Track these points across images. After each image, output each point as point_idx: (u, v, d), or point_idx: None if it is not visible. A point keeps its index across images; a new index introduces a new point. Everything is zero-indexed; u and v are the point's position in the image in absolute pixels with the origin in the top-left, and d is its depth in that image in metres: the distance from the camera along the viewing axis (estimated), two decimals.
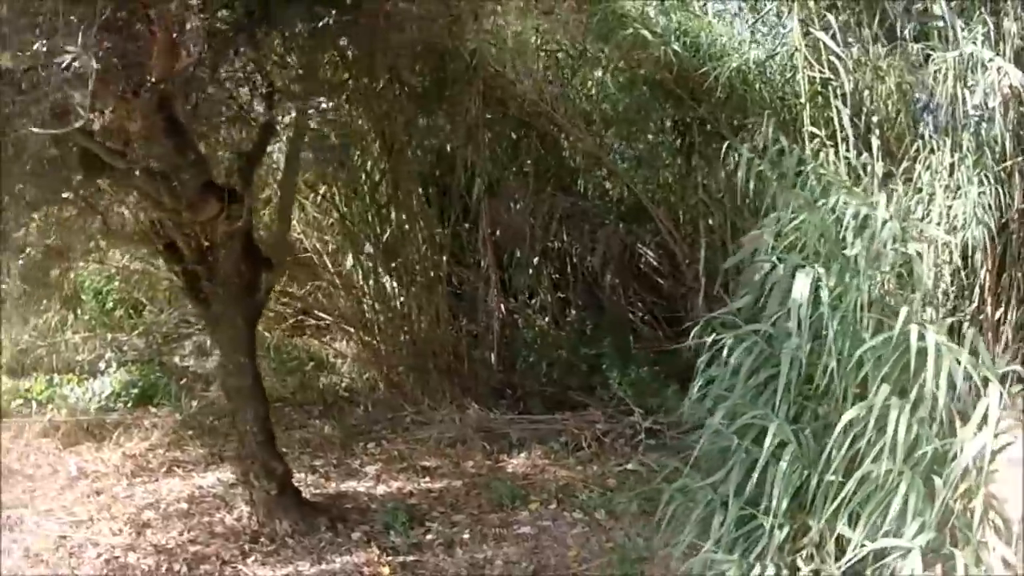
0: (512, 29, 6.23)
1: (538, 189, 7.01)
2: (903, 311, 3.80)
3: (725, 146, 5.23)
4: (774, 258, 4.26)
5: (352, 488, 5.56)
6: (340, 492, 5.47)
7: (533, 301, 7.51)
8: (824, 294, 3.96)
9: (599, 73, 6.88)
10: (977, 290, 4.93)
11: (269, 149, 5.09)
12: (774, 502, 3.72)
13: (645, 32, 5.84)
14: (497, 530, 4.95)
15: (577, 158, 7.51)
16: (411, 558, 4.61)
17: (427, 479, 5.69)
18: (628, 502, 5.19)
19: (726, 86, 5.72)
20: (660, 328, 7.50)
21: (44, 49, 2.54)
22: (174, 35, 3.43)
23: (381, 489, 5.54)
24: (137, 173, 4.10)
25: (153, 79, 3.46)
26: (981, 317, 5.06)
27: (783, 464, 3.74)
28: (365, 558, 4.57)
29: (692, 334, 4.53)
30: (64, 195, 4.56)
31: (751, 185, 4.80)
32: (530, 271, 7.39)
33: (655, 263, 7.71)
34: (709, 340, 4.17)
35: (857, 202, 4.12)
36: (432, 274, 6.85)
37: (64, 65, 2.41)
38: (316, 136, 4.94)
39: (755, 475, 3.81)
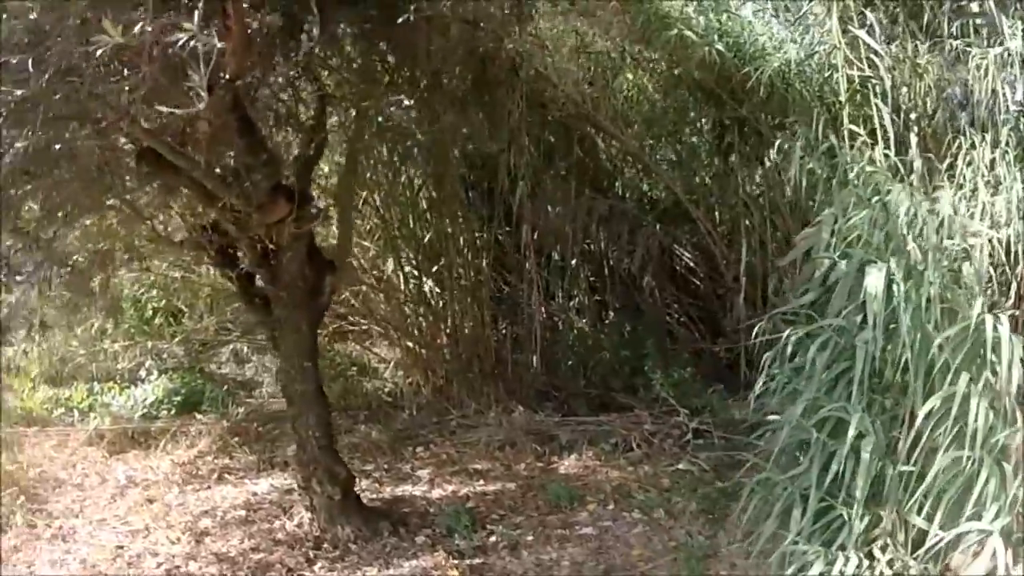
0: (554, 32, 6.22)
1: (576, 191, 6.93)
2: (978, 302, 3.82)
3: (777, 144, 5.15)
4: (835, 255, 4.25)
5: (407, 492, 5.49)
6: (396, 496, 5.40)
7: (571, 303, 7.42)
8: (899, 289, 3.94)
9: (640, 74, 6.83)
10: (1014, 285, 4.90)
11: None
12: (858, 492, 3.72)
13: (689, 33, 5.80)
14: (559, 531, 4.87)
15: (614, 159, 7.45)
16: (477, 561, 4.54)
17: (481, 482, 5.61)
18: (686, 501, 5.15)
19: (767, 86, 5.65)
20: (696, 329, 7.48)
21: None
22: (249, 31, 3.36)
23: (436, 493, 5.46)
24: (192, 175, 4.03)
25: (228, 76, 3.36)
26: (1017, 312, 5.04)
27: (865, 455, 3.73)
28: (432, 562, 4.50)
29: (756, 331, 4.53)
30: (110, 201, 4.50)
31: (803, 183, 4.78)
32: (567, 273, 7.31)
33: (691, 264, 7.67)
34: (754, 338, 4.41)
35: (915, 199, 4.12)
36: (474, 277, 6.77)
37: (180, 44, 2.26)
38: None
39: (836, 467, 3.80)
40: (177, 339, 7.25)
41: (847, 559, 3.66)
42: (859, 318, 4.07)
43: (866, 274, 3.98)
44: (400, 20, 3.84)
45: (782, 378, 4.38)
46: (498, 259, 7.08)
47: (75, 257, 5.01)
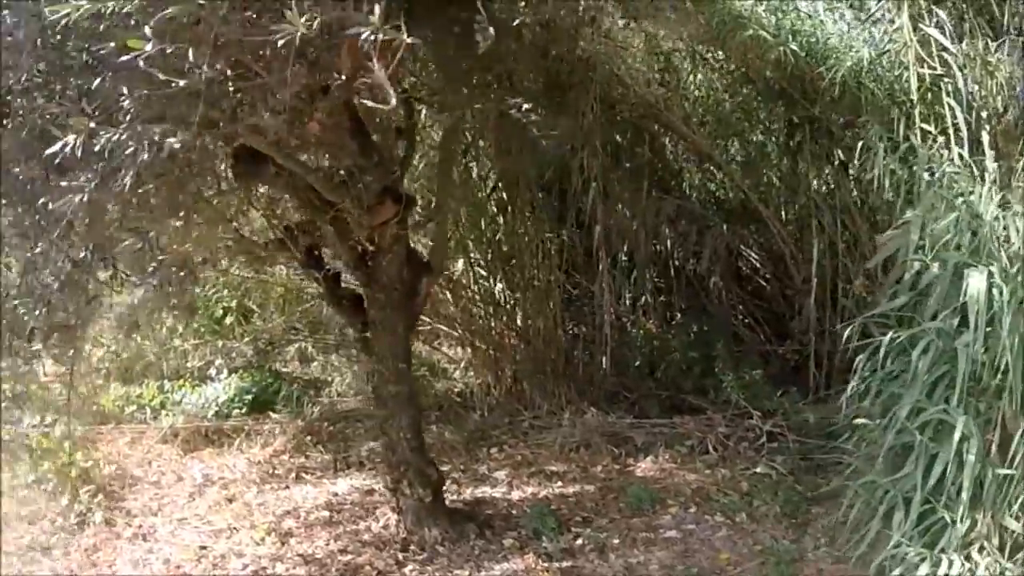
0: (626, 33, 6.20)
1: (645, 191, 6.88)
2: None
3: (860, 145, 5.09)
4: (927, 257, 4.22)
5: (487, 494, 5.47)
6: (476, 498, 5.38)
7: (638, 304, 7.38)
8: (1002, 292, 3.92)
9: (710, 74, 6.80)
10: None
11: None
12: (964, 495, 3.73)
13: (763, 33, 5.75)
14: (644, 534, 4.86)
15: (681, 159, 7.42)
16: (566, 564, 4.53)
17: (559, 484, 5.59)
18: (767, 505, 5.13)
19: (839, 85, 5.60)
20: (761, 330, 7.41)
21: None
22: None
23: (516, 495, 5.44)
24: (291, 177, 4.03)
25: (343, 75, 3.33)
26: None
27: (970, 458, 3.74)
28: (523, 564, 4.49)
29: (847, 334, 4.51)
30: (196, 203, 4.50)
31: (886, 184, 4.74)
32: (634, 274, 7.28)
33: (757, 264, 7.62)
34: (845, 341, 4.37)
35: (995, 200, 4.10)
36: (546, 278, 6.75)
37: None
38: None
39: (938, 470, 3.83)
40: (247, 339, 7.28)
41: (950, 562, 3.67)
42: (956, 321, 4.05)
43: (966, 277, 3.96)
44: (483, 25, 3.81)
45: (877, 381, 4.36)
46: (568, 260, 7.02)
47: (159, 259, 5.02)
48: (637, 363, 7.09)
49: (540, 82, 6.14)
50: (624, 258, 7.25)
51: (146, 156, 2.63)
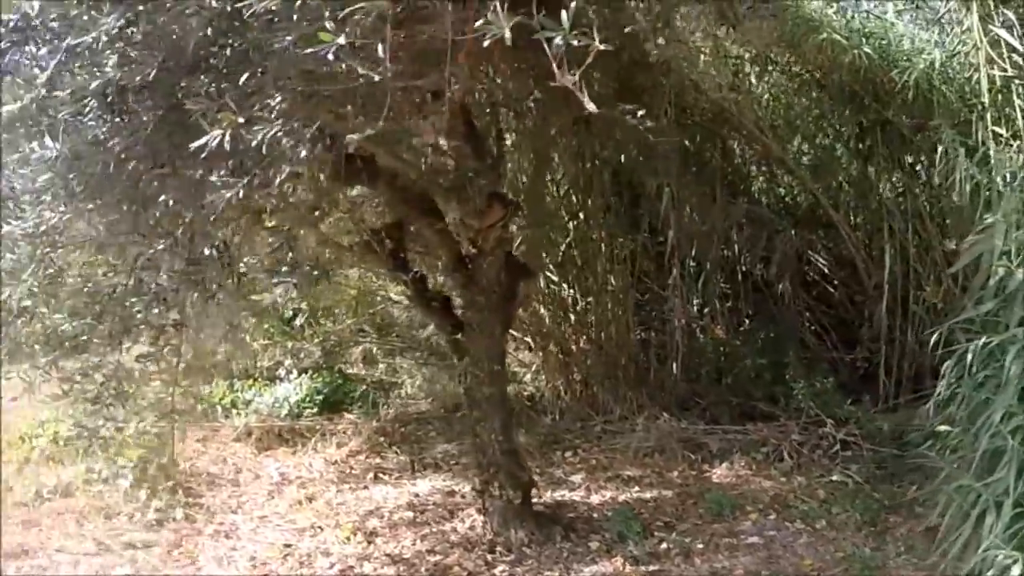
0: (698, 37, 6.27)
1: (715, 196, 6.97)
2: None
3: (942, 149, 5.14)
4: (1012, 262, 4.28)
5: (566, 497, 5.58)
6: (557, 501, 5.48)
7: (706, 310, 7.47)
8: None
9: (781, 78, 6.86)
10: None
11: None
12: None
13: (837, 37, 5.82)
14: (727, 540, 4.94)
15: (750, 164, 7.49)
16: (653, 567, 4.62)
17: (636, 488, 5.69)
18: (846, 512, 5.20)
19: (911, 87, 5.66)
20: (827, 337, 7.44)
21: None
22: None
23: (595, 499, 5.55)
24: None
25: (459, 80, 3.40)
26: None
27: None
28: (611, 568, 4.59)
29: (933, 341, 4.57)
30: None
31: (966, 188, 4.79)
32: (702, 279, 7.37)
33: (825, 270, 7.66)
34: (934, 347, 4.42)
35: None
36: (619, 283, 6.85)
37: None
38: None
39: None
40: (316, 340, 7.43)
41: None
42: None
43: None
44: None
45: (964, 388, 4.43)
46: (640, 265, 7.13)
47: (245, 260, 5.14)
48: (705, 369, 7.17)
49: (614, 87, 6.23)
50: (692, 263, 7.32)
51: (304, 153, 2.72)
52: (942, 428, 4.57)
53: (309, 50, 2.24)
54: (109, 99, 3.04)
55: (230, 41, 2.77)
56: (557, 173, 6.83)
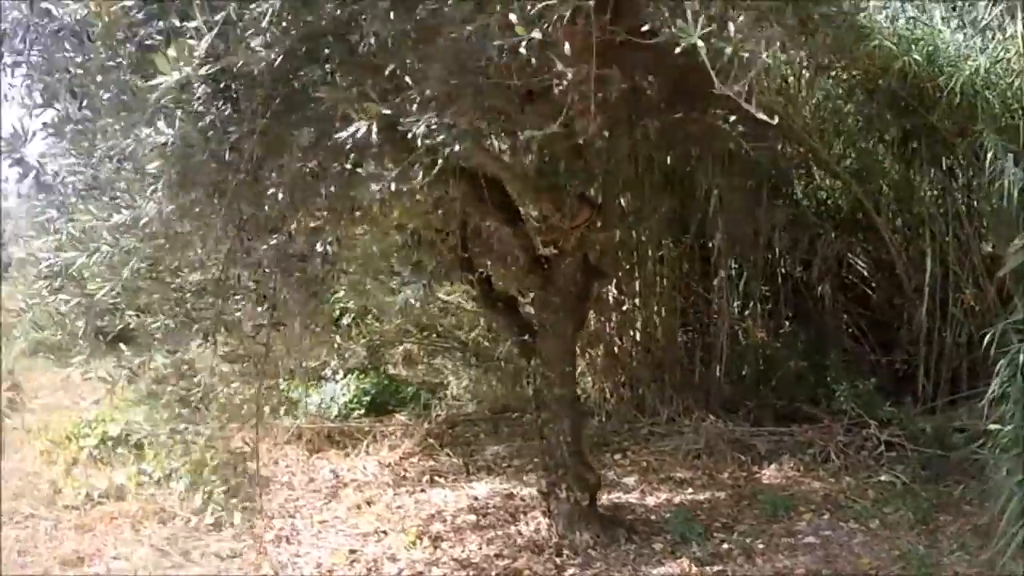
0: (744, 41, 6.43)
1: (758, 199, 7.17)
2: None
3: (990, 154, 5.31)
4: None
5: (621, 499, 5.79)
6: (615, 503, 5.68)
7: (747, 312, 7.67)
8: None
9: (828, 83, 7.04)
10: None
11: None
12: None
13: (888, 43, 5.99)
14: (785, 540, 5.16)
15: (793, 167, 7.66)
16: (717, 568, 4.82)
17: (690, 490, 5.92)
18: (897, 512, 5.43)
19: (956, 93, 5.83)
20: (865, 339, 7.65)
21: None
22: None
23: (650, 500, 5.77)
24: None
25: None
26: None
27: None
28: (678, 569, 4.79)
29: (987, 343, 4.78)
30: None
31: (1015, 192, 4.99)
32: (743, 282, 7.58)
33: (864, 273, 7.86)
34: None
35: None
36: (665, 286, 7.05)
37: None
38: None
39: None
40: (363, 340, 7.60)
41: None
42: None
43: None
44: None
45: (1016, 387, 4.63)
46: (685, 268, 7.33)
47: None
48: (745, 371, 7.40)
49: (664, 90, 6.41)
50: (734, 265, 7.53)
51: (459, 147, 2.83)
52: (993, 427, 4.76)
53: (497, 42, 2.37)
54: (222, 84, 3.08)
55: (372, 29, 2.75)
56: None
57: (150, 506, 5.81)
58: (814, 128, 6.96)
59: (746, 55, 2.40)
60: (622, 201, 7.03)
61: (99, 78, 3.05)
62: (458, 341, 7.79)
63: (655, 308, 7.20)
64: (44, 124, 3.23)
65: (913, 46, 6.13)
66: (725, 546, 5.06)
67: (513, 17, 2.35)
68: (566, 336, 4.87)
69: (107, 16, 2.67)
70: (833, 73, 6.95)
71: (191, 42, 2.36)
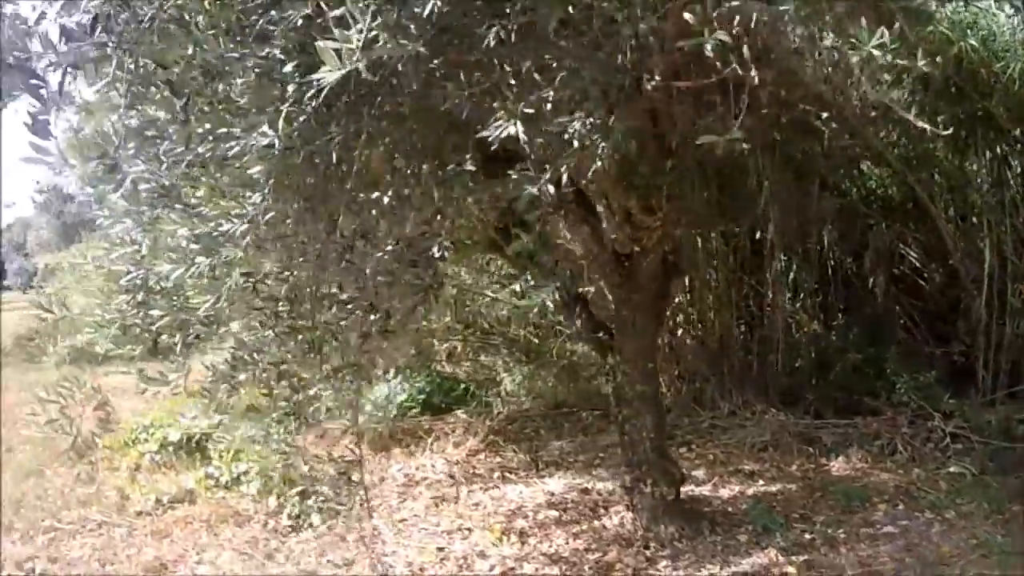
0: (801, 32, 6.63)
1: (808, 190, 7.37)
2: None
3: None
4: None
5: (695, 492, 5.98)
6: (690, 496, 5.85)
7: (799, 304, 7.88)
8: None
9: (880, 71, 7.21)
10: None
11: None
12: None
13: (943, 29, 6.17)
14: (864, 530, 5.37)
15: (842, 157, 7.83)
16: (803, 557, 5.00)
17: (760, 482, 6.14)
18: (970, 502, 5.65)
19: (1018, 80, 6.00)
20: (918, 331, 7.86)
21: None
22: None
23: (724, 492, 5.98)
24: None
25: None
26: None
27: None
28: (767, 559, 4.98)
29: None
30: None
31: None
32: (792, 273, 7.80)
33: (917, 264, 8.06)
34: None
35: None
36: (721, 279, 7.25)
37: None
38: None
39: None
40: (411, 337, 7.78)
41: None
42: None
43: None
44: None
45: None
46: (738, 261, 7.55)
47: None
48: (800, 364, 7.62)
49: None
50: (784, 257, 7.73)
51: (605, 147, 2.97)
52: None
53: (681, 43, 2.46)
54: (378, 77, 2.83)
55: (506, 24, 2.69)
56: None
57: (222, 509, 5.98)
58: (868, 116, 7.12)
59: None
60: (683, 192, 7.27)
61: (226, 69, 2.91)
62: (505, 337, 7.97)
63: (709, 301, 7.37)
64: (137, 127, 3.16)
65: (968, 32, 6.31)
66: (808, 536, 5.27)
67: (689, 17, 2.48)
68: (647, 333, 5.05)
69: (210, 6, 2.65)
70: (891, 61, 7.12)
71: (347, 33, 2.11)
